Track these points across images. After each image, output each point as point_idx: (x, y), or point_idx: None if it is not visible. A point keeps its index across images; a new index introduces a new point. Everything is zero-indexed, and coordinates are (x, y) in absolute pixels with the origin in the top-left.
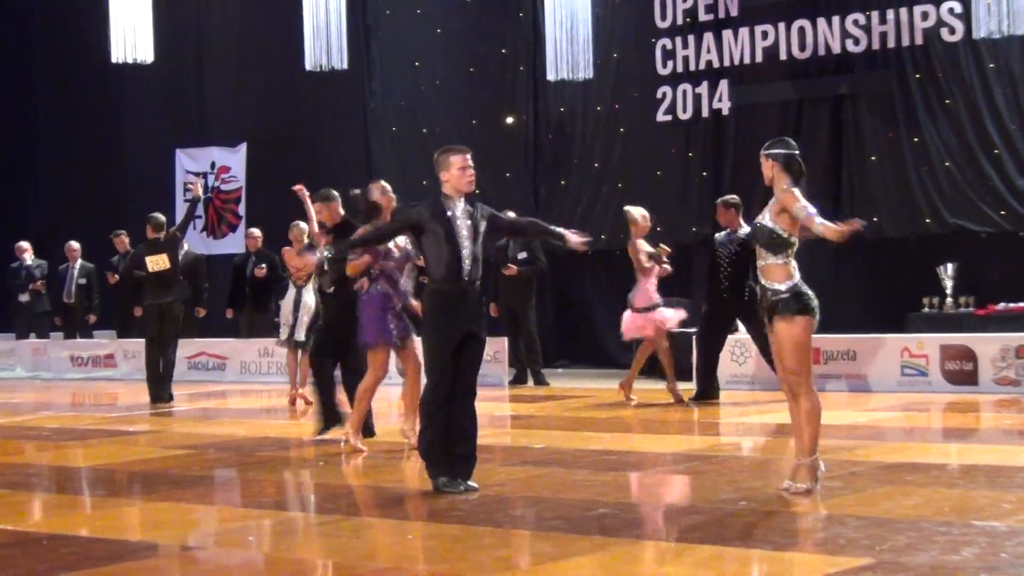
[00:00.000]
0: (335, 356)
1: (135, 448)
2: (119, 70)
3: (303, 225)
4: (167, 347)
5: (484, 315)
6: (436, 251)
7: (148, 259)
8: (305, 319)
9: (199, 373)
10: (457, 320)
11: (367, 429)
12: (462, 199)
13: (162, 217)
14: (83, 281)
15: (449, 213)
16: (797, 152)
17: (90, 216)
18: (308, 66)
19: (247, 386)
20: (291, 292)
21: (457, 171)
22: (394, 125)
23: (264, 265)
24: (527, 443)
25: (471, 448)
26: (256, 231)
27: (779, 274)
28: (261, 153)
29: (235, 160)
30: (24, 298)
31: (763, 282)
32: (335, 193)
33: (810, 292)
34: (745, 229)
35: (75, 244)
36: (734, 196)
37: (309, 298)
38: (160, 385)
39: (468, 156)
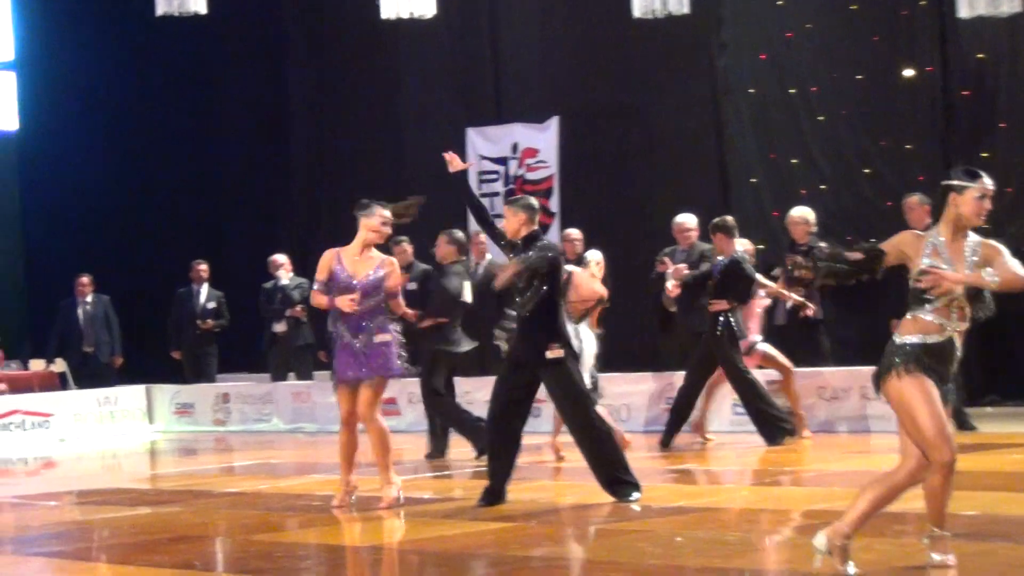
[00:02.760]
0: None
1: (433, 522)
2: (392, 29)
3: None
4: None
5: None
6: None
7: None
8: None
9: None
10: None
11: None
12: None
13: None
14: None
15: None
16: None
17: None
18: (637, 12)
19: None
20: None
21: None
22: (751, 85)
23: None
24: (953, 508)
25: None
26: (575, 232)
27: None
28: (577, 130)
29: (544, 140)
30: (280, 328)
31: None
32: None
33: None
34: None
35: None
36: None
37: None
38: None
39: None
